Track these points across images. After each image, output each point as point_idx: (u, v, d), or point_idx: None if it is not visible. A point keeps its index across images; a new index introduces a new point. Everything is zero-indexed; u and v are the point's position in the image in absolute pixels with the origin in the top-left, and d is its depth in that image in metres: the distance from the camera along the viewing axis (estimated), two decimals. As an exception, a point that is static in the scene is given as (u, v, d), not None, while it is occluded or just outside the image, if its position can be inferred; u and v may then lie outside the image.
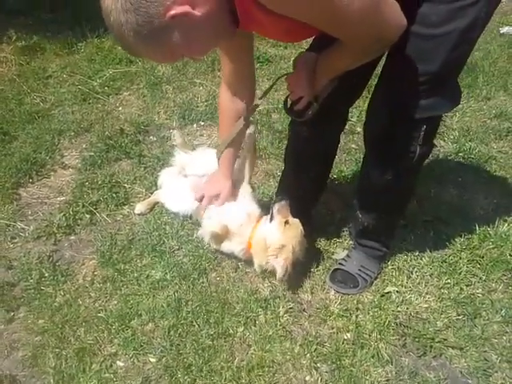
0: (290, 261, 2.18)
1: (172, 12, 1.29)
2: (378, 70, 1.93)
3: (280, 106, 3.44)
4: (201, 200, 2.34)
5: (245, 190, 2.36)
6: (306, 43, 2.03)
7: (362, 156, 3.00)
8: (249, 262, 2.35)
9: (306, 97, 1.91)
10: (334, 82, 1.88)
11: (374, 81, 1.97)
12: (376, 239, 2.33)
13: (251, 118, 2.20)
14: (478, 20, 1.60)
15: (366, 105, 2.04)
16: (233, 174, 2.33)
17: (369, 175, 2.13)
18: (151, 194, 2.75)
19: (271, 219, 2.25)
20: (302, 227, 2.24)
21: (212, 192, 2.32)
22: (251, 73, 2.08)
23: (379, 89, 1.92)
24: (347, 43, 1.53)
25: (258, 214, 2.33)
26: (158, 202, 2.69)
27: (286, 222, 2.21)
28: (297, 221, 2.24)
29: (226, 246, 2.34)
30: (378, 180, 2.07)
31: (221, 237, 2.29)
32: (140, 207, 2.65)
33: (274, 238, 2.20)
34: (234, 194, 2.34)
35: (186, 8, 1.31)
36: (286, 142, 3.09)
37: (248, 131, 2.21)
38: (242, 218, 2.30)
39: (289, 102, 2.05)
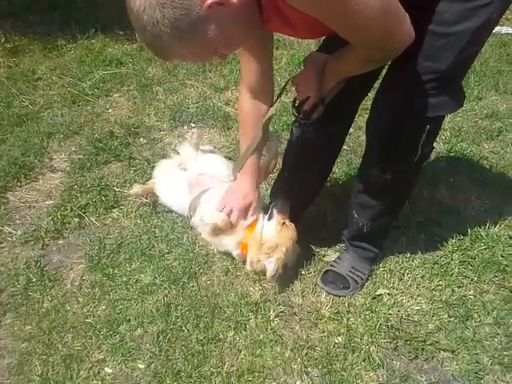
0: (282, 262, 2.19)
1: (208, 1, 1.29)
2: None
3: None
4: (228, 214, 2.27)
5: None
6: (306, 43, 2.02)
7: (353, 157, 3.03)
8: (240, 262, 2.37)
9: (312, 98, 1.89)
10: (340, 84, 1.87)
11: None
12: (369, 241, 2.31)
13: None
14: (490, 21, 1.61)
15: (368, 103, 2.03)
16: (259, 184, 2.33)
17: (368, 174, 2.11)
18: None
19: (270, 218, 2.26)
20: (296, 232, 2.25)
21: (243, 204, 2.27)
22: (271, 75, 2.08)
23: (385, 86, 1.90)
24: (356, 47, 1.56)
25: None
26: (152, 191, 2.64)
27: (284, 223, 2.22)
28: (292, 224, 2.25)
29: (222, 240, 2.33)
30: (377, 179, 2.04)
31: (221, 230, 2.27)
32: (136, 189, 2.62)
33: (269, 236, 2.21)
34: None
35: None
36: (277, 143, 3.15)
37: (270, 141, 2.28)
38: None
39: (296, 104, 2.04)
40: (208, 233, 2.31)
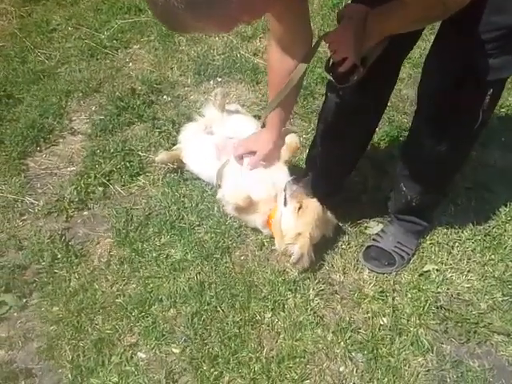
0: (307, 247, 2.04)
1: None
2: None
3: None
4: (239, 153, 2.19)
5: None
6: None
7: (395, 114, 2.78)
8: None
9: (350, 58, 1.64)
10: (384, 42, 1.62)
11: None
12: (417, 214, 2.12)
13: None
14: None
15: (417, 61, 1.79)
16: (279, 137, 2.13)
17: (420, 144, 1.89)
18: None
19: (285, 203, 2.09)
20: (320, 208, 2.08)
21: (251, 146, 2.15)
22: (306, 27, 1.80)
23: (441, 45, 1.67)
24: (409, 2, 1.35)
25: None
26: (179, 158, 2.47)
27: (300, 208, 2.05)
28: (314, 202, 2.08)
29: (247, 217, 2.21)
30: (431, 150, 1.84)
31: (244, 209, 2.15)
32: (162, 156, 2.47)
33: (288, 225, 2.08)
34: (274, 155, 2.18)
35: None
36: (311, 99, 2.91)
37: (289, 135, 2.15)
38: (266, 188, 2.15)
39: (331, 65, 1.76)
40: (230, 211, 2.20)
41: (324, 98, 2.12)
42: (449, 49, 1.62)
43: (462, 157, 1.94)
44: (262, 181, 2.15)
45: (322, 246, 2.19)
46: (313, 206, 2.06)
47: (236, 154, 2.19)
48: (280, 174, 2.17)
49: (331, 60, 1.74)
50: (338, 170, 2.20)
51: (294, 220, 2.05)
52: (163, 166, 2.50)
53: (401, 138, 2.65)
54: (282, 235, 2.08)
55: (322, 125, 2.18)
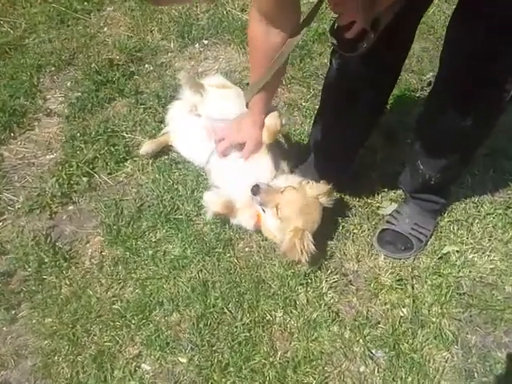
0: (306, 239, 1.83)
1: None
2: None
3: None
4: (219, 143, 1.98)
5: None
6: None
7: (403, 75, 2.53)
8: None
9: (359, 22, 1.39)
10: (399, 2, 1.36)
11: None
12: (435, 191, 1.95)
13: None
14: None
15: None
16: (264, 122, 1.88)
17: (441, 119, 1.68)
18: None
19: (263, 210, 1.91)
20: (299, 196, 1.86)
21: (235, 137, 1.94)
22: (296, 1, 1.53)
23: (465, 10, 1.44)
24: None
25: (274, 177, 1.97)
26: (167, 144, 2.26)
27: (277, 208, 1.84)
28: (290, 195, 1.85)
29: (234, 221, 2.03)
30: (454, 124, 1.64)
31: (225, 214, 1.98)
32: (146, 147, 2.24)
33: (276, 228, 1.90)
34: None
35: None
36: (308, 60, 2.66)
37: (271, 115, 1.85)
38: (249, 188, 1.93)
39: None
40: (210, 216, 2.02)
41: (328, 67, 1.88)
42: (478, 8, 1.39)
43: (488, 130, 1.73)
44: (245, 180, 1.93)
45: (332, 232, 2.02)
46: (290, 198, 1.85)
47: (220, 149, 1.98)
48: (264, 166, 1.97)
49: (336, 24, 1.49)
50: (342, 150, 1.98)
51: (277, 222, 1.87)
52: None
53: (409, 101, 2.43)
54: (274, 237, 1.93)
55: (326, 97, 1.95)
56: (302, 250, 1.80)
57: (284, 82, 2.55)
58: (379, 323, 1.84)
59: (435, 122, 1.72)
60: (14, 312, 1.89)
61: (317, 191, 1.87)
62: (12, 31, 2.81)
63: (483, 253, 1.99)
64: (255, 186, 1.85)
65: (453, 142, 1.72)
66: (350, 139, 1.94)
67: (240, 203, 1.93)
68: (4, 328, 1.86)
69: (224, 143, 1.96)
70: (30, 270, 1.96)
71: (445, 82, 1.64)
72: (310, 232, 1.84)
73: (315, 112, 2.21)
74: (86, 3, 2.97)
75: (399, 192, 2.12)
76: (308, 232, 1.83)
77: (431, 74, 2.56)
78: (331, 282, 1.93)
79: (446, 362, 1.76)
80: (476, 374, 1.74)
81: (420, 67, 2.59)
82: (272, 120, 1.86)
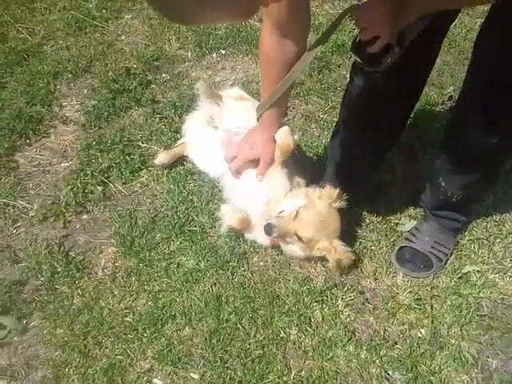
0: (339, 247, 1.84)
1: None
2: None
3: (317, 22, 2.83)
4: (231, 160, 1.94)
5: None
6: None
7: (427, 91, 2.48)
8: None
9: (384, 37, 1.36)
10: (427, 16, 1.34)
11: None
12: (457, 209, 1.90)
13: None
14: None
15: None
16: (273, 137, 1.86)
17: (465, 136, 1.64)
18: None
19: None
20: (315, 220, 1.83)
21: (248, 154, 1.90)
22: (307, 11, 1.53)
23: (494, 23, 1.41)
24: None
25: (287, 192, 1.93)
26: (182, 154, 2.25)
27: (296, 235, 1.81)
28: (305, 215, 1.81)
29: (250, 236, 2.01)
30: (480, 140, 1.60)
31: (241, 229, 1.95)
32: (162, 158, 2.23)
33: (299, 249, 1.87)
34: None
35: None
36: (326, 72, 2.63)
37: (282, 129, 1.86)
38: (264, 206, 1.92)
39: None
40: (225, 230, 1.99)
41: (349, 80, 1.85)
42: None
43: None
44: (260, 196, 1.92)
45: (349, 248, 1.97)
46: (306, 221, 1.80)
47: (233, 168, 1.94)
48: (278, 181, 1.93)
49: (358, 38, 1.46)
50: (362, 166, 1.95)
51: (300, 245, 1.84)
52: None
53: (430, 116, 2.39)
54: (304, 256, 1.91)
55: (345, 112, 1.91)
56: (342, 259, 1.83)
57: (302, 94, 2.53)
58: (396, 343, 1.79)
59: (459, 137, 1.68)
60: (25, 322, 1.87)
61: (326, 199, 1.84)
62: (30, 38, 2.83)
63: (505, 273, 1.94)
64: (266, 225, 1.78)
65: (476, 159, 1.68)
66: (370, 155, 1.91)
67: (256, 219, 1.89)
68: (15, 338, 1.84)
69: (237, 161, 1.92)
70: (42, 279, 1.94)
71: (471, 96, 1.60)
72: (337, 238, 1.84)
73: (333, 125, 2.18)
74: (104, 11, 2.99)
75: (418, 209, 2.08)
76: (336, 240, 1.83)
77: (452, 87, 2.53)
78: (347, 299, 1.89)
79: (466, 386, 1.71)
80: (496, 397, 1.69)
81: (441, 81, 2.55)
82: (284, 138, 1.84)
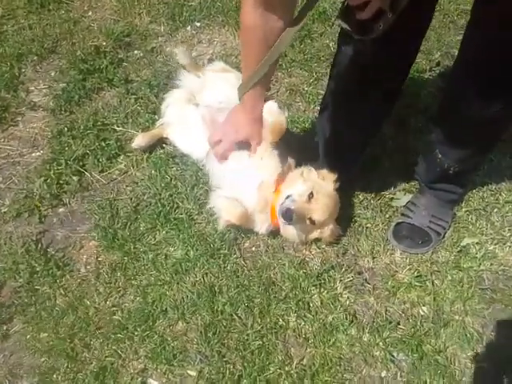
0: (335, 228, 1.81)
1: None
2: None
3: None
4: (216, 145, 1.81)
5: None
6: None
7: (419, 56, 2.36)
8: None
9: (375, 1, 1.23)
10: None
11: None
12: (454, 181, 1.82)
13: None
14: None
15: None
16: (262, 116, 1.73)
17: (464, 106, 1.54)
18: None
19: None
20: (322, 186, 1.77)
21: (234, 137, 1.77)
22: None
23: None
24: None
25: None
26: (161, 136, 2.11)
27: (311, 218, 1.73)
28: (322, 199, 1.72)
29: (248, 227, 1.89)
30: (479, 112, 1.50)
31: (240, 225, 1.83)
32: (139, 140, 2.09)
33: (300, 231, 1.79)
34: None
35: None
36: (308, 41, 2.49)
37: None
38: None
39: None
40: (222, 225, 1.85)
41: (336, 51, 1.71)
42: None
43: None
44: (251, 181, 1.79)
45: (344, 227, 1.89)
46: (322, 204, 1.72)
47: (219, 151, 1.81)
48: (269, 163, 1.80)
49: (346, 3, 1.33)
50: (353, 141, 1.83)
51: (306, 231, 1.78)
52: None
53: (418, 83, 2.29)
54: (300, 239, 1.82)
55: (333, 84, 1.79)
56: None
57: (284, 66, 2.39)
58: (399, 324, 1.73)
59: (457, 110, 1.58)
60: (5, 328, 1.75)
61: (330, 182, 1.77)
62: (-13, 18, 2.61)
63: (504, 243, 1.88)
64: (285, 211, 1.65)
65: (476, 131, 1.58)
66: (361, 130, 1.79)
67: (250, 207, 1.77)
68: (-4, 345, 1.72)
69: (223, 145, 1.80)
70: (20, 280, 1.82)
71: (468, 65, 1.49)
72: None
73: (319, 98, 2.06)
74: (67, -15, 2.77)
75: (413, 182, 1.99)
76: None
77: (439, 53, 2.42)
78: (346, 281, 1.81)
79: (472, 362, 1.66)
80: (504, 374, 1.63)
81: (427, 46, 2.43)
82: (276, 118, 1.72)
